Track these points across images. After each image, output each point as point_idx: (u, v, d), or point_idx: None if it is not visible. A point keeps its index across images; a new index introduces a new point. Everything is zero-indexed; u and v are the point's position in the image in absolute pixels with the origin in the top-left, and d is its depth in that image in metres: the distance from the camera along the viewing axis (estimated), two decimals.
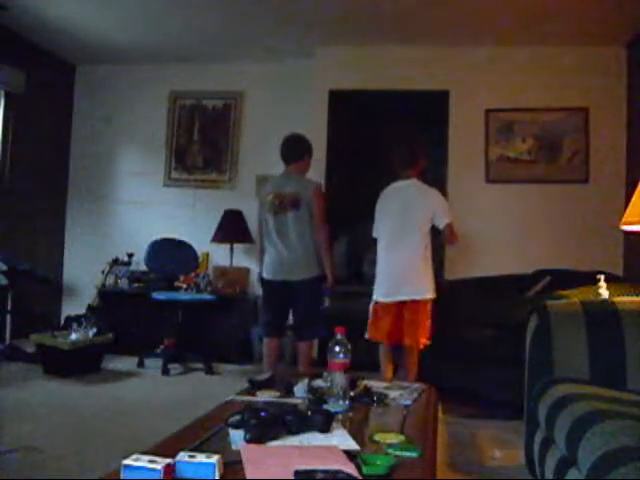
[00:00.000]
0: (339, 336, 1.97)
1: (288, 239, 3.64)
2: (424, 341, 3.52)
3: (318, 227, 3.64)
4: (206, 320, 4.95)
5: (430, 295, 3.51)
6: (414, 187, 3.60)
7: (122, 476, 1.22)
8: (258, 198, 3.84)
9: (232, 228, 5.28)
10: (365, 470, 1.31)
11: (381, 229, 3.65)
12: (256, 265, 5.37)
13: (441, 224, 3.51)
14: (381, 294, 3.59)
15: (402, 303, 3.52)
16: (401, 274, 3.53)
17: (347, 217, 5.04)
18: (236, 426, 1.60)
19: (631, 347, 2.14)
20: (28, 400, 3.53)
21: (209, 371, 4.50)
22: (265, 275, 3.77)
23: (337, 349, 1.94)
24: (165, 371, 4.40)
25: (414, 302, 3.50)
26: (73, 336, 4.32)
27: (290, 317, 3.92)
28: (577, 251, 4.60)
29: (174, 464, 1.25)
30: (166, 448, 1.41)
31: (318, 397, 1.95)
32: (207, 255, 5.44)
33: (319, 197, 3.67)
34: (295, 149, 3.77)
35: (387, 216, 3.62)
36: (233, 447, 1.49)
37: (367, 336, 3.63)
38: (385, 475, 1.32)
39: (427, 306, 3.51)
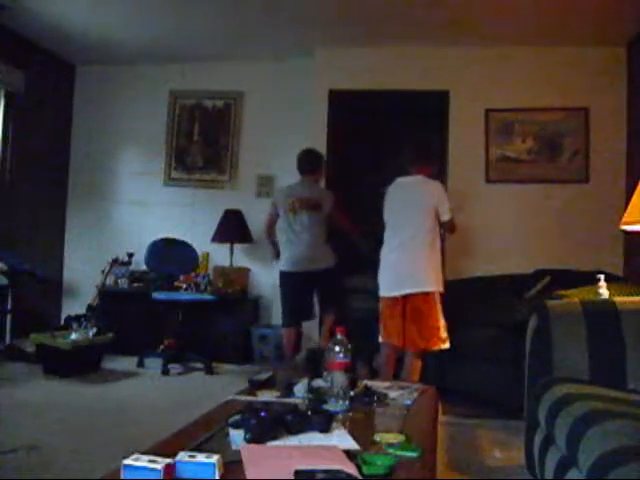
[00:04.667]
0: (339, 336, 1.97)
1: (306, 236, 4.12)
2: (433, 343, 3.31)
3: (342, 224, 4.29)
4: (206, 320, 4.95)
5: (433, 288, 3.34)
6: (419, 182, 3.52)
7: (122, 476, 1.22)
8: (273, 200, 4.36)
9: (232, 228, 5.28)
10: (365, 470, 1.31)
11: (386, 224, 3.58)
12: (256, 265, 5.44)
13: (445, 217, 3.45)
14: (385, 288, 3.48)
15: (407, 297, 3.36)
16: (402, 267, 3.40)
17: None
18: (236, 426, 1.61)
19: (631, 347, 2.14)
20: (28, 400, 3.53)
21: (209, 371, 4.50)
22: (285, 268, 4.19)
23: (337, 349, 1.94)
24: (165, 371, 4.40)
25: (417, 295, 3.33)
26: (73, 336, 4.32)
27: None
28: (577, 251, 4.60)
29: (174, 464, 1.25)
30: (166, 448, 1.41)
31: (318, 397, 1.95)
32: (207, 255, 5.44)
33: (337, 207, 4.25)
34: (312, 162, 4.29)
35: (391, 211, 3.56)
36: (233, 447, 1.49)
37: (381, 339, 3.50)
38: (385, 475, 1.32)
39: (432, 300, 3.32)
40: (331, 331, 3.95)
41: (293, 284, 4.19)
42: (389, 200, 3.59)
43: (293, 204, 4.13)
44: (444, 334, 3.32)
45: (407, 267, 3.39)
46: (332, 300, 4.27)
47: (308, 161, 4.27)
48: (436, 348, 3.33)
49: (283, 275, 4.21)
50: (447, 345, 3.32)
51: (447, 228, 3.56)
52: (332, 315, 4.22)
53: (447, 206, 3.45)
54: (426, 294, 3.34)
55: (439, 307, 3.33)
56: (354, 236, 4.35)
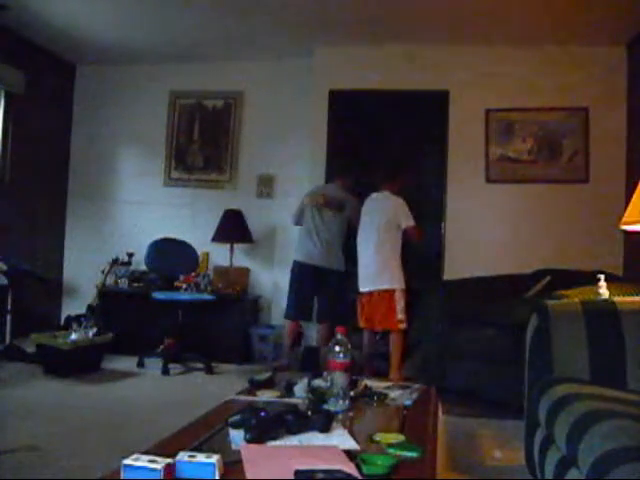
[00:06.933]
0: (339, 336, 1.97)
1: (326, 233, 4.40)
2: (390, 326, 4.01)
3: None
4: (206, 320, 4.95)
5: (394, 285, 4.01)
6: (383, 198, 4.20)
7: (122, 476, 1.22)
8: (305, 196, 4.62)
9: (232, 228, 5.28)
10: (365, 470, 1.31)
11: (358, 232, 4.27)
12: (256, 265, 5.46)
13: (402, 225, 4.09)
14: (359, 285, 4.17)
15: (371, 293, 4.08)
16: (369, 269, 4.11)
17: None
18: (236, 426, 1.61)
19: (631, 347, 2.14)
20: (28, 400, 3.53)
21: (209, 371, 4.50)
22: (299, 258, 4.44)
23: (337, 349, 1.94)
24: (165, 371, 4.40)
25: (381, 292, 4.04)
26: (73, 336, 4.32)
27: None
28: (577, 251, 4.60)
29: (174, 464, 1.25)
30: (166, 448, 1.41)
31: (318, 397, 1.95)
32: (207, 255, 5.44)
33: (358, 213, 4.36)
34: (340, 169, 4.70)
35: (363, 220, 4.24)
36: (233, 447, 1.49)
37: (360, 324, 4.16)
38: (385, 475, 1.33)
39: (394, 295, 4.00)
40: (326, 340, 4.14)
41: (302, 275, 4.42)
42: (363, 211, 4.27)
43: (318, 200, 4.46)
44: (400, 317, 3.99)
45: (374, 268, 4.09)
46: (329, 308, 4.41)
47: (336, 168, 4.75)
48: (395, 328, 4.01)
49: (295, 265, 4.47)
50: (404, 326, 4.00)
51: (410, 235, 4.14)
52: (327, 324, 4.34)
53: (405, 216, 4.09)
54: (389, 290, 4.02)
55: (399, 299, 4.00)
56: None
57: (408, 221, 4.08)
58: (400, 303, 3.99)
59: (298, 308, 4.47)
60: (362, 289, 4.14)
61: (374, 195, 4.27)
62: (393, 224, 4.09)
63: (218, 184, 5.67)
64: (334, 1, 4.33)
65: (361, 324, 4.17)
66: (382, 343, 4.25)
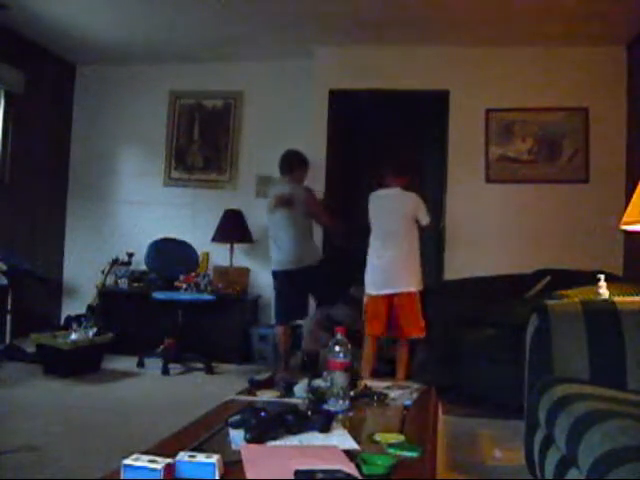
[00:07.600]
0: (339, 336, 1.97)
1: (283, 234, 4.20)
2: (417, 332, 3.78)
3: (321, 218, 4.34)
4: (206, 320, 4.94)
5: (414, 288, 3.80)
6: (398, 194, 3.93)
7: (122, 476, 1.22)
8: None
9: (232, 228, 5.28)
10: (365, 470, 1.32)
11: (372, 230, 3.98)
12: (256, 265, 5.46)
13: (423, 222, 3.89)
14: (372, 288, 3.88)
15: (391, 296, 3.81)
16: (388, 269, 3.84)
17: (346, 217, 5.03)
18: (236, 426, 1.61)
19: (631, 347, 2.14)
20: (28, 400, 3.53)
21: (209, 371, 4.50)
22: (273, 267, 4.32)
23: (337, 349, 1.94)
24: (165, 371, 4.40)
25: (401, 295, 3.79)
26: (73, 336, 4.32)
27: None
28: (577, 251, 4.59)
29: (174, 464, 1.25)
30: (166, 448, 1.41)
31: (318, 397, 1.95)
32: (207, 255, 5.44)
33: (311, 197, 4.28)
34: (286, 163, 4.36)
35: (375, 219, 3.96)
36: (233, 447, 1.49)
37: (367, 333, 3.88)
38: (385, 475, 1.33)
39: (414, 298, 3.79)
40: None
41: (279, 283, 4.31)
42: (372, 210, 3.98)
43: (270, 204, 4.29)
44: (422, 324, 3.78)
45: (393, 270, 3.83)
46: (324, 292, 4.30)
47: (282, 161, 4.38)
48: (415, 335, 3.80)
49: (272, 274, 4.38)
50: (423, 334, 3.79)
51: (428, 229, 4.02)
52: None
53: (424, 213, 3.89)
54: (409, 293, 3.79)
55: (418, 303, 3.80)
56: (334, 230, 4.43)
57: (427, 218, 3.88)
58: (419, 306, 3.78)
59: (286, 313, 4.33)
60: (376, 292, 3.84)
61: (382, 192, 3.99)
62: (411, 221, 3.85)
63: (218, 184, 5.67)
64: (334, 1, 4.33)
65: (371, 331, 3.86)
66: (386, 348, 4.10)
